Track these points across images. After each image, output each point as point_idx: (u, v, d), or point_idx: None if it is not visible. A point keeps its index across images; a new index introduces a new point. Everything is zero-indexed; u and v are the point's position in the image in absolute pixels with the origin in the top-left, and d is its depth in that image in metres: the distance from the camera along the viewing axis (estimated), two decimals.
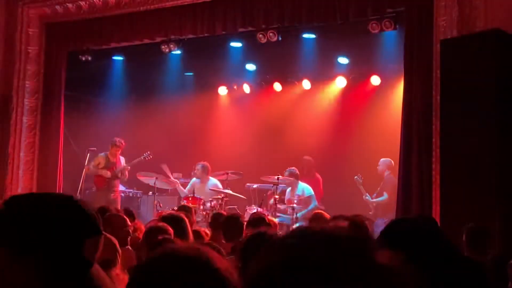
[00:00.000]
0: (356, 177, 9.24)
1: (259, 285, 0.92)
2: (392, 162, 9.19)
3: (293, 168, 9.57)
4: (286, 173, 9.47)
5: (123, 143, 10.09)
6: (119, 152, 10.08)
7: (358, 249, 0.91)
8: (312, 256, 0.90)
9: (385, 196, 9.08)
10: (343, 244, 0.92)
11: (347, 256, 0.89)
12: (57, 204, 1.54)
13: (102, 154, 10.03)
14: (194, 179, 10.10)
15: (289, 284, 0.89)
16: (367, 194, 9.15)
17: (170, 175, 10.20)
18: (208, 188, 9.79)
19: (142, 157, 10.03)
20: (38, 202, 1.54)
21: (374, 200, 9.13)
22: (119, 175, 9.99)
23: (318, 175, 10.17)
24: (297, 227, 1.10)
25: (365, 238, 0.94)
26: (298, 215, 8.98)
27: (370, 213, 9.01)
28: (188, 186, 10.03)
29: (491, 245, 4.59)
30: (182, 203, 8.92)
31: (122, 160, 10.11)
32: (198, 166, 9.96)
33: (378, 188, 9.21)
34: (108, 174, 9.86)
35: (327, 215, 6.05)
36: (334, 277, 0.87)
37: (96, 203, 7.67)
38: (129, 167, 10.06)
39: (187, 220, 4.81)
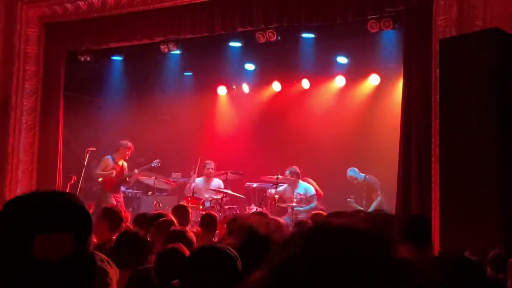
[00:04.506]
0: (348, 199, 9.21)
1: (280, 276, 0.92)
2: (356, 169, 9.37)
3: (294, 167, 9.57)
4: (287, 172, 9.46)
5: (132, 148, 9.96)
6: (128, 156, 9.98)
7: (379, 246, 0.91)
8: (332, 253, 0.89)
9: (378, 199, 9.09)
10: (364, 241, 0.91)
11: (369, 254, 0.89)
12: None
13: (109, 156, 9.94)
14: (199, 179, 10.01)
15: (309, 278, 0.89)
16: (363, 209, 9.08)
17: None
18: (208, 188, 9.78)
19: (152, 165, 9.92)
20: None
21: (372, 208, 9.06)
22: (127, 179, 9.93)
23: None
24: (317, 223, 1.05)
25: (386, 234, 0.93)
26: (296, 209, 9.08)
27: None
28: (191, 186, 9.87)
29: (430, 236, 4.42)
30: (182, 203, 8.92)
31: (125, 164, 10.02)
32: (209, 165, 9.92)
33: (364, 194, 9.19)
34: (113, 173, 9.77)
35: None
36: (355, 275, 0.87)
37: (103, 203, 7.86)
38: (137, 174, 9.94)
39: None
